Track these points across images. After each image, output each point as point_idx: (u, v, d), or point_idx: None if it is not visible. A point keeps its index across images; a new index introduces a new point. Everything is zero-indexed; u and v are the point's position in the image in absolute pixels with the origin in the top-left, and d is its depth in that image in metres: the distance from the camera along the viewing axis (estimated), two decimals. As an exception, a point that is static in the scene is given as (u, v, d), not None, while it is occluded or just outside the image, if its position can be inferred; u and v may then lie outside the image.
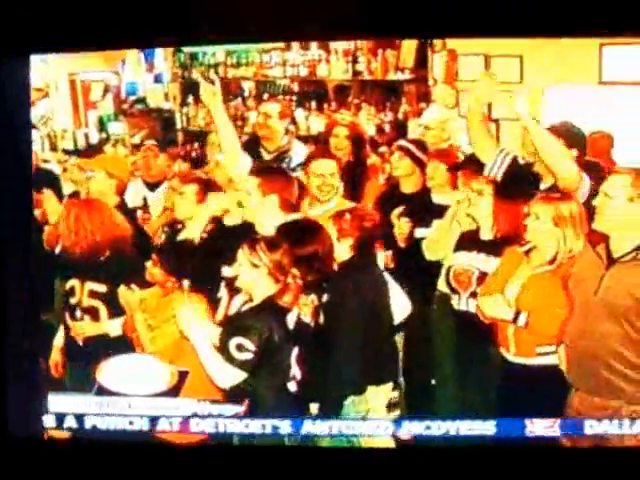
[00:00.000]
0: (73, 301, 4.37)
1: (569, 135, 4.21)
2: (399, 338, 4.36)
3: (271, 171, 4.42)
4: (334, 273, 4.09)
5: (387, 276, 4.24)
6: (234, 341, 3.80)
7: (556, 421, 3.98)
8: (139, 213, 4.72)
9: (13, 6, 3.95)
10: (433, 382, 4.43)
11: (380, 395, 4.15)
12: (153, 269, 4.22)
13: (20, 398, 4.24)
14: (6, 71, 4.15)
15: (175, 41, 4.62)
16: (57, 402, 4.26)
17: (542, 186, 4.20)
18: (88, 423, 4.20)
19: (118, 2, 3.96)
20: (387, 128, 5.23)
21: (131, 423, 4.17)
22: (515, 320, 3.97)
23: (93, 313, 4.34)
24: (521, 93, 4.06)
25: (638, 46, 4.30)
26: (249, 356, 3.80)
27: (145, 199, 4.87)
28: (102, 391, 4.18)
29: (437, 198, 4.56)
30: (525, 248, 4.04)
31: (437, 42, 5.05)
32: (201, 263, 4.20)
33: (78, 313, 4.35)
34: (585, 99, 4.47)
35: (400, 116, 5.26)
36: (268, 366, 3.88)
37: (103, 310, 4.33)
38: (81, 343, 4.34)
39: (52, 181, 4.84)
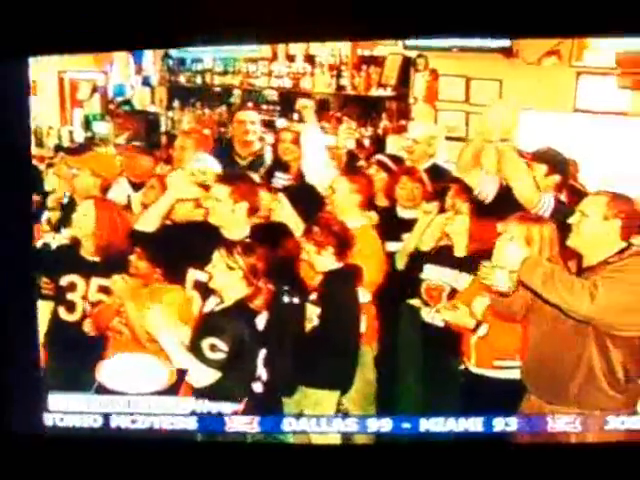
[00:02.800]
0: (73, 296, 4.47)
1: (554, 161, 4.43)
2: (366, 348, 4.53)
3: (242, 179, 4.50)
4: (319, 282, 4.29)
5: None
6: (207, 341, 3.92)
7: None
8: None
9: (12, 8, 4.03)
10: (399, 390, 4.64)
11: (332, 401, 4.37)
12: (138, 262, 4.32)
13: (22, 396, 4.33)
14: (5, 73, 4.22)
15: (167, 43, 4.60)
16: (57, 401, 4.34)
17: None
18: (88, 421, 4.29)
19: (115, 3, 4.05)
20: (367, 143, 5.36)
21: (131, 421, 4.27)
22: (476, 329, 4.22)
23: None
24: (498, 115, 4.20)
25: (613, 76, 4.56)
26: (222, 356, 3.93)
27: (129, 197, 4.97)
28: (101, 390, 4.26)
29: (403, 212, 4.79)
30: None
31: (420, 61, 5.22)
32: (177, 257, 4.30)
33: (81, 307, 4.44)
34: (559, 125, 4.67)
35: (380, 131, 5.40)
36: (236, 367, 4.00)
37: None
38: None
39: (35, 177, 4.93)
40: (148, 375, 4.22)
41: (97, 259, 4.48)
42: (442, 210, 4.57)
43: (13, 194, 4.29)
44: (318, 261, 4.30)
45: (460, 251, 4.46)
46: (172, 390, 4.18)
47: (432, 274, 4.53)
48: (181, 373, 4.10)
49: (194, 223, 4.45)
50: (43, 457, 4.27)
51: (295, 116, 5.39)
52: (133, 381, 4.23)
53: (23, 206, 4.43)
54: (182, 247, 4.26)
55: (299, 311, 4.26)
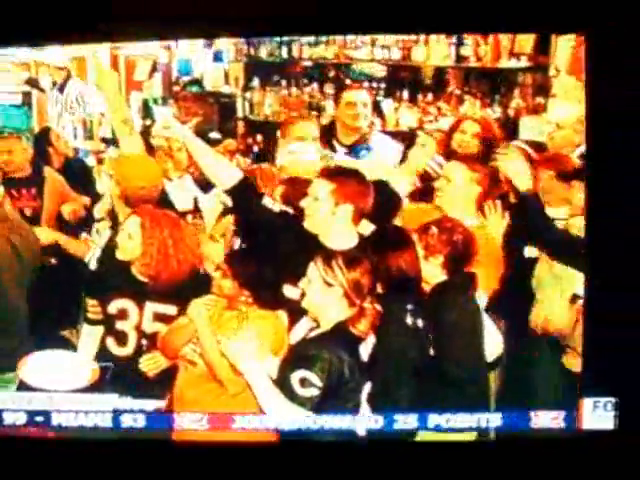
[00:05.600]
0: (124, 326, 4.12)
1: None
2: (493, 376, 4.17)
3: (348, 175, 4.04)
4: (424, 298, 3.86)
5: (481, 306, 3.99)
6: (297, 374, 3.58)
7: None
8: (189, 218, 4.38)
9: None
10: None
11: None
12: (223, 281, 3.92)
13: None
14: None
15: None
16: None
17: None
18: (8, 419, 4.19)
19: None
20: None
21: (50, 418, 4.16)
22: None
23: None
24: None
25: None
26: (314, 392, 3.59)
27: (196, 201, 4.52)
28: (23, 387, 4.19)
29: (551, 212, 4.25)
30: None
31: (566, 22, 4.81)
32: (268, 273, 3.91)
33: (134, 340, 4.12)
34: None
35: (511, 112, 4.89)
36: (335, 404, 3.73)
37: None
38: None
39: (84, 175, 4.61)
40: (70, 373, 4.14)
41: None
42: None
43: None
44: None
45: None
46: (95, 388, 4.12)
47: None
48: (104, 371, 4.12)
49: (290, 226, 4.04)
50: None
51: (405, 94, 4.98)
52: (55, 378, 4.16)
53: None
54: (274, 258, 3.91)
55: (419, 336, 3.81)
